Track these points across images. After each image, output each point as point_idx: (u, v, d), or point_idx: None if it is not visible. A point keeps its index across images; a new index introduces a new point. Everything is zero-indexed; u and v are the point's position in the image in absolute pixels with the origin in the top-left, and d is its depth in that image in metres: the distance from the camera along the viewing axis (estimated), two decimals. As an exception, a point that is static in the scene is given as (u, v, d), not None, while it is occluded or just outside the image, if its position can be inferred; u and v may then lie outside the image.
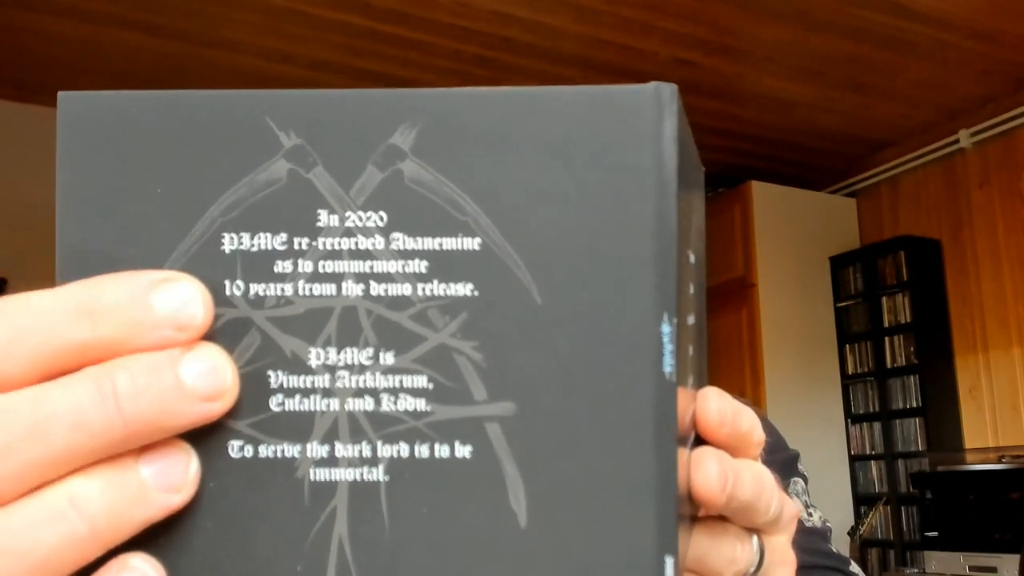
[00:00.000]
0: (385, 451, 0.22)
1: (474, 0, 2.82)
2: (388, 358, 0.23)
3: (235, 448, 0.22)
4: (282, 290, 0.23)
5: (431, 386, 0.23)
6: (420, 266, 0.23)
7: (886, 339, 3.96)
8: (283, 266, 0.23)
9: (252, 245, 0.23)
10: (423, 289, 0.23)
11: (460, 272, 0.23)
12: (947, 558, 3.44)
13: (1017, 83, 3.49)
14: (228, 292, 0.23)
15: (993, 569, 3.26)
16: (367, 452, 0.22)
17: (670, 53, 3.19)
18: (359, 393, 0.23)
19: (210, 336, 0.22)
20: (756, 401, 3.82)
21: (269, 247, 0.23)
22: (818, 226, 4.20)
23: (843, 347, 4.14)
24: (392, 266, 0.23)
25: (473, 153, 0.23)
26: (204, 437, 0.22)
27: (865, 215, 4.31)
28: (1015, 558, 3.10)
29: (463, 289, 0.23)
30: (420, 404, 0.23)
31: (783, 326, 4.01)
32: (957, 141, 3.79)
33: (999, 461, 3.52)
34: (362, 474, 0.22)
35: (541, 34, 3.03)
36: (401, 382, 0.23)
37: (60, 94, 0.23)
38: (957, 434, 3.79)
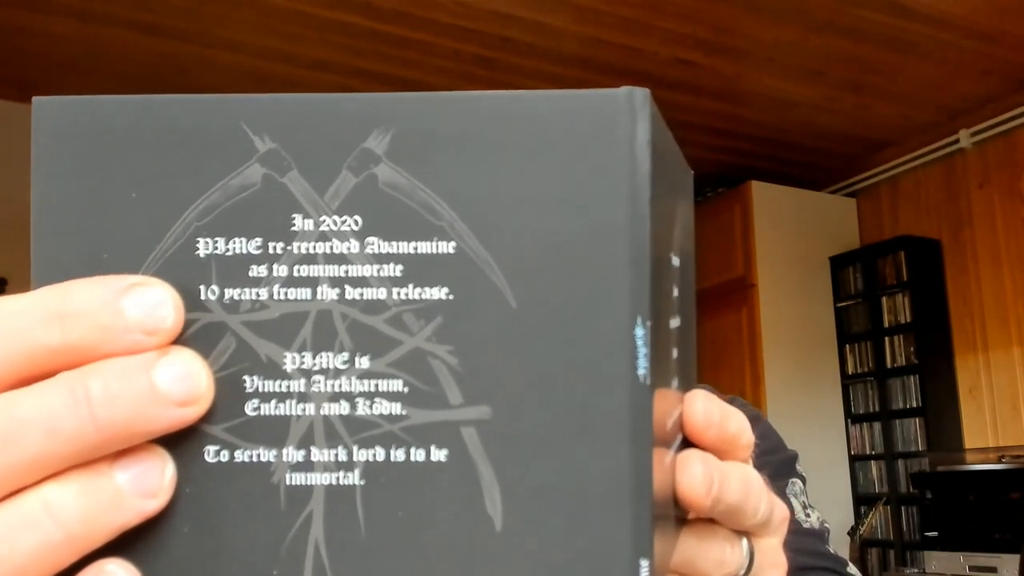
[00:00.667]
0: (361, 455, 0.22)
1: (474, 0, 2.82)
2: (363, 362, 0.23)
3: (211, 453, 0.22)
4: (257, 294, 0.23)
5: (406, 390, 0.22)
6: (395, 270, 0.23)
7: (886, 339, 3.96)
8: (258, 270, 0.23)
9: (227, 249, 0.23)
10: (398, 293, 0.23)
11: (435, 276, 0.23)
12: (947, 558, 3.44)
13: (1017, 83, 3.49)
14: (203, 296, 0.23)
15: (993, 569, 3.26)
16: (343, 456, 0.22)
17: (670, 53, 3.19)
18: (335, 397, 0.23)
19: (185, 341, 0.22)
20: (756, 401, 3.82)
21: (244, 251, 0.23)
22: (818, 226, 4.20)
23: (843, 347, 4.14)
24: (367, 270, 0.23)
25: (448, 157, 0.23)
26: (180, 442, 0.22)
27: (865, 215, 4.31)
28: (1015, 558, 3.10)
29: (438, 293, 0.23)
30: (396, 408, 0.22)
31: (783, 326, 4.01)
32: (957, 141, 3.79)
33: (999, 461, 3.52)
34: (338, 478, 0.22)
35: (541, 34, 3.03)
36: (376, 386, 0.22)
37: (35, 99, 0.23)
38: (957, 434, 3.79)
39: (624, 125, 0.23)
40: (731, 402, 0.65)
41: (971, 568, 3.34)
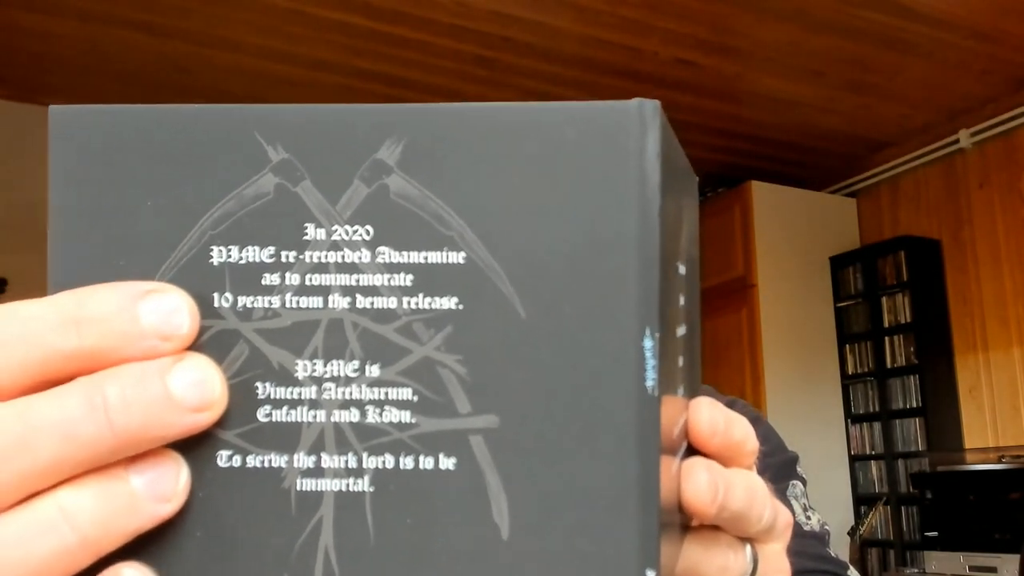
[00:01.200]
0: (370, 463, 0.23)
1: (474, 0, 2.82)
2: (374, 370, 0.23)
3: (223, 458, 0.23)
4: (269, 302, 0.23)
5: (416, 399, 0.23)
6: (405, 279, 0.23)
7: (886, 339, 3.96)
8: (271, 279, 0.23)
9: (240, 258, 0.23)
10: (408, 302, 0.23)
11: (445, 286, 0.23)
12: (947, 558, 3.44)
13: (1017, 83, 3.49)
14: (216, 304, 0.23)
15: (993, 569, 3.26)
16: (353, 463, 0.23)
17: (670, 53, 3.19)
18: (345, 405, 0.23)
19: (199, 347, 0.23)
20: (756, 402, 3.82)
21: (257, 260, 0.23)
22: (818, 226, 4.20)
23: (843, 347, 4.15)
24: (378, 279, 0.23)
25: (459, 168, 0.23)
26: (193, 447, 0.23)
27: (865, 215, 4.31)
28: (1015, 558, 3.10)
29: (448, 303, 0.23)
30: (405, 416, 0.23)
31: (783, 326, 4.01)
32: (957, 141, 3.79)
33: (999, 461, 3.52)
34: (348, 485, 0.23)
35: (541, 34, 3.03)
36: (386, 394, 0.23)
37: (51, 108, 0.23)
38: (957, 434, 3.79)
39: (635, 137, 0.23)
40: (732, 404, 0.65)
41: (971, 568, 3.34)
